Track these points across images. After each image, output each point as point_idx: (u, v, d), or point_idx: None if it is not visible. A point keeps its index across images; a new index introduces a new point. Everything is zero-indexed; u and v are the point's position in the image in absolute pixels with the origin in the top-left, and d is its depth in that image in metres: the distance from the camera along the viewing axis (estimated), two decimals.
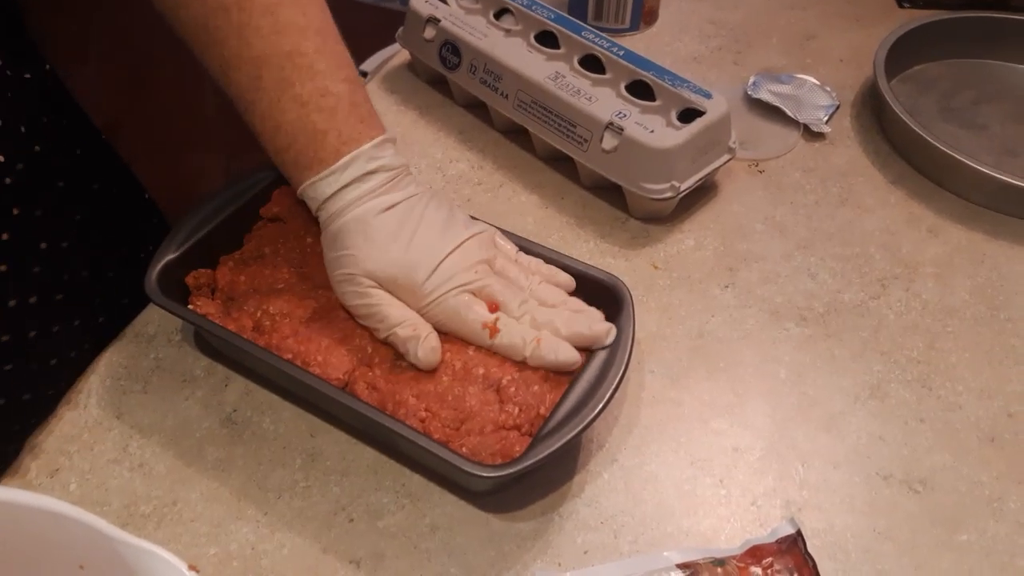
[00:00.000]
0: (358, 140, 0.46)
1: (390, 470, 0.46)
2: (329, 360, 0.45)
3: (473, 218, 0.50)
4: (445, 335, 0.46)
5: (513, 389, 0.43)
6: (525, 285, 0.48)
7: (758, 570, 0.42)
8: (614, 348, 0.45)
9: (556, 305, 0.47)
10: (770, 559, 0.42)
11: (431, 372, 0.45)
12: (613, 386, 0.42)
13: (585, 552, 0.43)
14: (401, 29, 0.71)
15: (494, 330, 0.45)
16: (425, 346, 0.45)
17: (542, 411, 0.43)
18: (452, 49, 0.66)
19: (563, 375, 0.45)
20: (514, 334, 0.45)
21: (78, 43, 1.78)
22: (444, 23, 0.66)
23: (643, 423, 0.48)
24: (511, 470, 0.39)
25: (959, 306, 0.55)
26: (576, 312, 0.47)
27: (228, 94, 0.47)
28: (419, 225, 0.46)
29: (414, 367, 0.45)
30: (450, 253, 0.46)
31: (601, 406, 0.42)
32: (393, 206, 0.47)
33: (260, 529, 0.44)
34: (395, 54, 0.76)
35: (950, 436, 0.48)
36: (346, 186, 0.46)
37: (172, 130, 1.64)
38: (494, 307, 0.46)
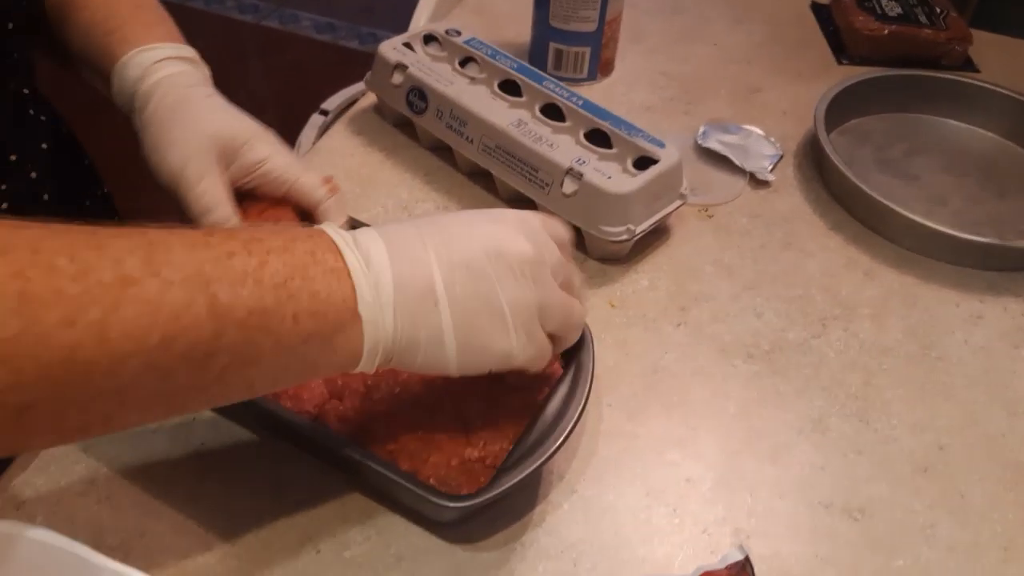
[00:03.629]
0: (160, 37, 0.53)
1: (357, 501, 0.48)
2: (300, 393, 0.47)
3: None
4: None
5: (480, 423, 0.45)
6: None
7: None
8: (575, 382, 0.47)
9: None
10: None
11: (401, 405, 0.47)
12: (574, 419, 0.45)
13: None
14: (369, 74, 0.74)
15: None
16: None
17: (505, 444, 0.45)
18: (419, 94, 0.69)
19: (526, 411, 0.47)
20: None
21: None
22: (412, 69, 0.69)
23: (601, 455, 0.51)
24: (477, 500, 0.41)
25: (893, 345, 0.59)
26: None
27: (75, 23, 0.54)
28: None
29: (385, 400, 0.47)
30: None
31: (563, 438, 0.44)
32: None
33: (227, 560, 0.45)
34: (361, 96, 0.78)
35: (886, 467, 0.51)
36: (168, 59, 0.51)
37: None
38: None
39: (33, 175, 0.54)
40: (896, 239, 0.66)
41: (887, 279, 0.64)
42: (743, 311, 0.61)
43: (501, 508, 0.47)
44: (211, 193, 0.48)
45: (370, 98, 0.77)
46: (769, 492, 0.50)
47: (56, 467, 0.48)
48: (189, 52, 0.53)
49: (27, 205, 0.53)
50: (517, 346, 0.40)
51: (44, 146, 0.56)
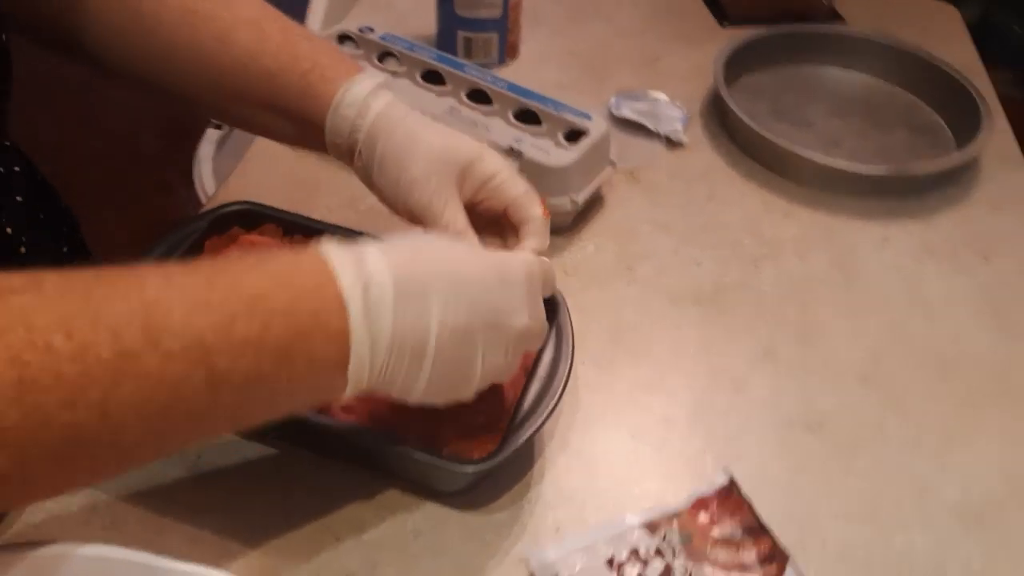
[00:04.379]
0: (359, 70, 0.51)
1: (365, 487, 0.49)
2: None
3: None
4: None
5: (477, 394, 0.48)
6: None
7: (706, 516, 0.48)
8: (559, 345, 0.50)
9: None
10: (714, 505, 0.49)
11: None
12: (565, 376, 0.48)
13: (557, 529, 0.48)
14: None
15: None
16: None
17: (506, 409, 0.48)
18: None
19: (519, 376, 0.49)
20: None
21: None
22: None
23: (584, 408, 0.54)
24: (495, 460, 0.44)
25: (819, 274, 0.65)
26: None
27: (225, 68, 0.50)
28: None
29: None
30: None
31: (559, 395, 0.47)
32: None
33: (251, 562, 0.46)
34: None
35: (833, 381, 0.57)
36: (376, 91, 0.49)
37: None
38: None
39: (9, 230, 0.52)
40: (805, 181, 0.73)
41: (802, 217, 0.70)
42: (684, 262, 0.65)
43: (504, 472, 0.50)
44: (455, 222, 0.47)
45: None
46: (738, 419, 0.54)
47: (53, 503, 0.47)
48: (380, 76, 0.51)
49: (3, 261, 0.51)
50: (470, 393, 0.43)
51: (19, 199, 0.54)
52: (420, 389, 0.40)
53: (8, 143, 0.54)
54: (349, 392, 0.38)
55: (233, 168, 0.74)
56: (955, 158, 0.72)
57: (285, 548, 0.46)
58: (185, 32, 0.50)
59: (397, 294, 0.37)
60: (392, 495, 0.49)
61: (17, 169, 0.54)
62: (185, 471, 0.49)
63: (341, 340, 0.36)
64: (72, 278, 0.32)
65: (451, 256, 0.41)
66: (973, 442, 0.54)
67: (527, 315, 0.42)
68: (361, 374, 0.38)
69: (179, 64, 0.51)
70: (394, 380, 0.39)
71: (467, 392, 0.42)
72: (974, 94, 0.77)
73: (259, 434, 0.51)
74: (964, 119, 0.76)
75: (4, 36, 0.48)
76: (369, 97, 0.49)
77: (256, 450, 0.50)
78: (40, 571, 0.32)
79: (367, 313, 0.37)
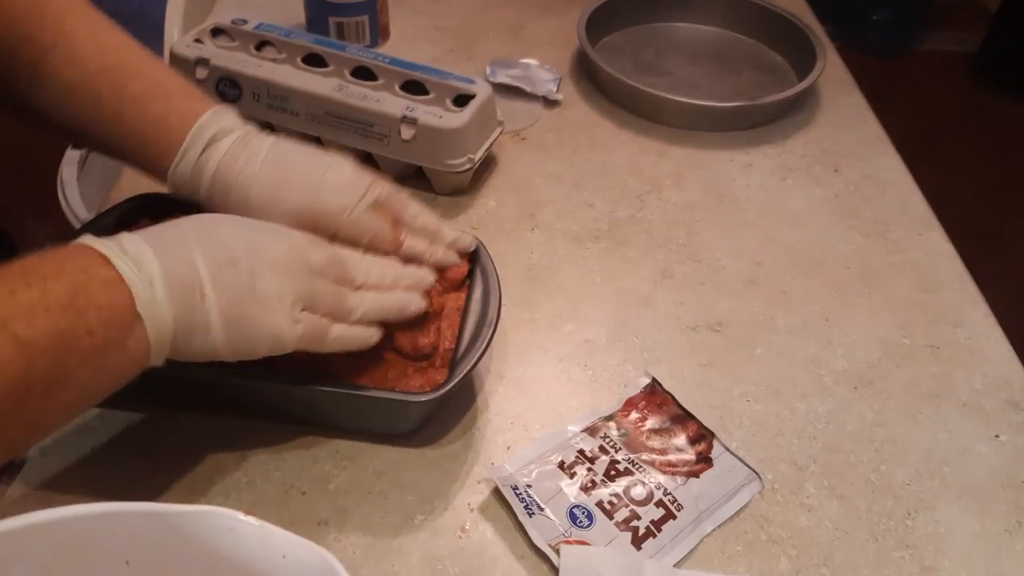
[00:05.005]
0: (196, 113, 0.50)
1: (320, 443, 0.51)
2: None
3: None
4: None
5: (416, 332, 0.51)
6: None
7: (637, 414, 0.53)
8: (486, 285, 0.54)
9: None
10: (642, 403, 0.54)
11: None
12: (497, 310, 0.52)
13: (508, 447, 0.52)
14: None
15: (401, 240, 0.52)
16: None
17: (448, 345, 0.51)
18: (230, 83, 0.71)
19: (455, 313, 0.53)
20: (417, 245, 0.53)
21: None
22: (214, 61, 0.71)
23: (512, 342, 0.58)
24: (446, 388, 0.47)
25: (697, 201, 0.72)
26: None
27: (72, 128, 0.50)
28: (297, 158, 0.51)
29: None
30: (340, 174, 0.51)
31: (494, 327, 0.51)
32: (268, 153, 0.51)
33: None
34: None
35: (724, 288, 0.64)
36: (202, 156, 0.50)
37: None
38: (396, 220, 0.52)
39: None
40: (672, 122, 0.79)
41: (675, 155, 0.77)
42: (578, 205, 0.71)
43: (450, 408, 0.53)
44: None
45: None
46: (649, 330, 0.60)
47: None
48: (213, 124, 0.51)
49: None
50: (285, 329, 0.44)
51: None
52: (218, 326, 0.42)
53: None
54: (155, 337, 0.40)
55: (99, 193, 0.72)
56: (798, 88, 0.80)
57: (254, 511, 0.48)
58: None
59: (153, 247, 0.41)
60: (347, 446, 0.51)
61: None
62: (138, 459, 0.50)
63: (117, 284, 0.39)
64: None
65: (201, 218, 0.45)
66: (849, 321, 0.62)
67: (283, 243, 0.45)
68: (153, 311, 0.40)
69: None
70: (188, 317, 0.41)
71: (272, 322, 0.44)
72: (808, 33, 0.86)
73: (212, 406, 0.52)
74: (801, 55, 0.86)
75: None
76: (197, 177, 0.50)
77: (203, 422, 0.52)
78: (51, 535, 0.32)
79: (129, 257, 0.40)
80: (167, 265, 0.41)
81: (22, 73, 0.50)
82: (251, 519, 0.34)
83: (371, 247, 0.51)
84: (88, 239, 0.40)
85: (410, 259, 0.52)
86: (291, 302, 0.44)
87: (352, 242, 0.51)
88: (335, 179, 0.51)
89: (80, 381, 0.38)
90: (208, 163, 0.50)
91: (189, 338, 0.42)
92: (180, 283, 0.41)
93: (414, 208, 0.54)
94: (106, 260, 0.39)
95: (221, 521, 0.34)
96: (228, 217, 0.47)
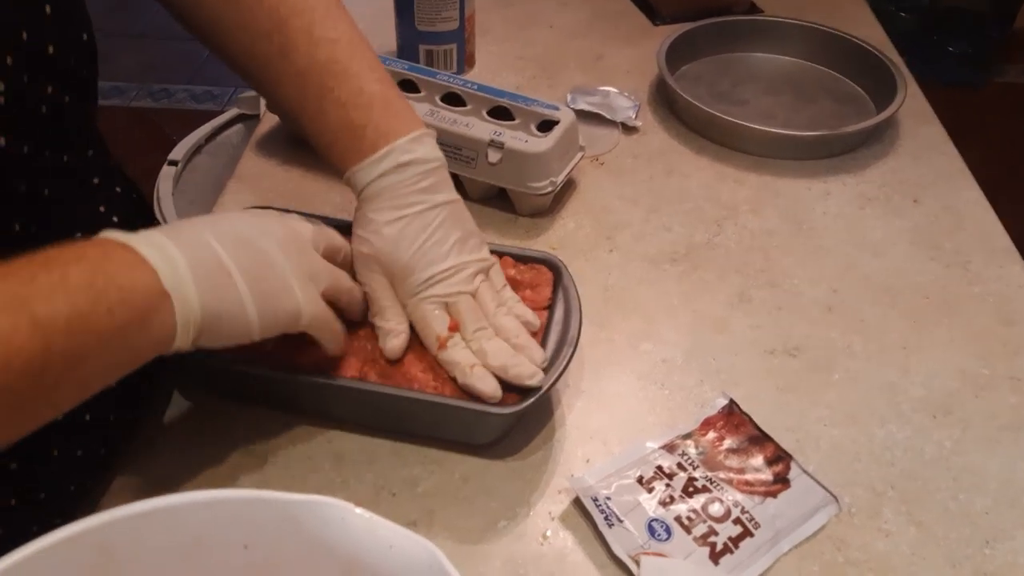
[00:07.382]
0: (394, 134, 0.52)
1: (409, 449, 0.54)
2: (337, 364, 0.52)
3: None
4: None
5: None
6: (491, 312, 0.53)
7: (714, 433, 0.55)
8: (567, 304, 0.56)
9: (509, 338, 0.53)
10: (720, 423, 0.55)
11: (421, 357, 0.54)
12: (578, 331, 0.54)
13: (587, 460, 0.54)
14: (264, 101, 0.79)
15: (443, 345, 0.52)
16: (393, 341, 0.53)
17: None
18: None
19: (536, 334, 0.55)
20: (456, 355, 0.52)
21: None
22: None
23: (591, 360, 0.60)
24: (530, 400, 0.50)
25: (774, 227, 0.73)
26: (517, 347, 0.52)
27: (280, 108, 0.55)
28: (433, 235, 0.52)
29: (411, 360, 0.54)
30: (446, 270, 0.52)
31: (574, 347, 0.53)
32: (420, 212, 0.52)
33: None
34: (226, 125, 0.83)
35: (802, 314, 0.65)
36: (383, 175, 0.52)
37: None
38: (455, 326, 0.53)
39: None
40: (749, 150, 0.81)
41: (752, 182, 0.78)
42: (655, 229, 0.72)
43: (530, 421, 0.55)
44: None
45: (269, 122, 0.82)
46: (725, 353, 0.61)
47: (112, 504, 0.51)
48: (406, 152, 0.52)
49: None
50: (303, 303, 0.47)
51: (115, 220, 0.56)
52: (251, 303, 0.44)
53: (112, 165, 0.57)
54: (181, 317, 0.41)
55: (191, 207, 0.77)
56: (878, 118, 0.81)
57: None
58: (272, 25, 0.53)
59: (167, 235, 0.42)
60: (434, 454, 0.54)
61: (119, 190, 0.57)
62: (241, 456, 0.53)
63: (139, 264, 0.40)
64: None
65: (197, 216, 0.47)
66: (927, 351, 0.62)
67: (280, 225, 0.48)
68: (180, 289, 0.41)
69: (243, 45, 0.55)
70: (218, 299, 0.42)
71: (292, 297, 0.46)
72: (887, 63, 0.87)
73: (306, 414, 0.55)
74: (880, 86, 0.86)
75: (88, 35, 0.49)
76: (367, 188, 0.53)
77: (303, 429, 0.55)
78: (174, 519, 0.35)
79: (153, 244, 0.41)
80: (188, 251, 0.42)
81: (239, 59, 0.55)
82: (362, 511, 0.37)
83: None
84: (108, 232, 0.42)
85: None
86: (304, 280, 0.47)
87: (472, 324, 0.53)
88: (438, 278, 0.53)
89: (96, 361, 0.39)
90: (383, 182, 0.52)
91: (219, 320, 0.43)
92: (204, 266, 0.42)
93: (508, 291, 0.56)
94: (126, 246, 0.41)
95: (334, 511, 0.37)
96: (220, 214, 0.51)
